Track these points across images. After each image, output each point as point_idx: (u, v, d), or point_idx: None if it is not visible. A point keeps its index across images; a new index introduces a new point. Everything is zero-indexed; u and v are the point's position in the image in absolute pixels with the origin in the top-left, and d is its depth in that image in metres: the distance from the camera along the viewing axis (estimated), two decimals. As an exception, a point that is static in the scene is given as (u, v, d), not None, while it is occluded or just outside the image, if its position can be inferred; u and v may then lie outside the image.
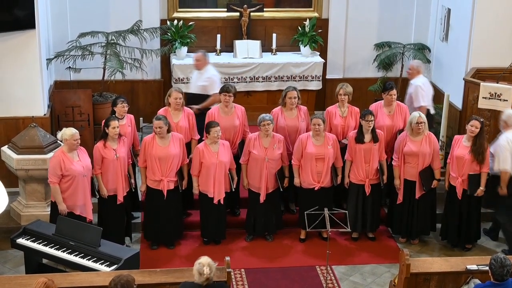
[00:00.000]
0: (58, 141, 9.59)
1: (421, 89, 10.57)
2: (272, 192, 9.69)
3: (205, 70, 10.80)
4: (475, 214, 9.59)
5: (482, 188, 9.36)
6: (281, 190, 9.77)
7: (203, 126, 9.66)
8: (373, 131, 9.52)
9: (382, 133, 9.69)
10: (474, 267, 7.46)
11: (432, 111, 10.68)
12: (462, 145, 9.35)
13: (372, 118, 9.44)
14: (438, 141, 9.95)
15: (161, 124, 9.22)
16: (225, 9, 12.60)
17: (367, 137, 9.51)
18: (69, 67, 11.39)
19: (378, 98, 11.29)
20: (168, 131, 9.32)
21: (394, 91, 9.94)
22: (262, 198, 9.61)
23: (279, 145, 9.59)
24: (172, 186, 9.43)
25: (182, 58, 12.24)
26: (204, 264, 6.55)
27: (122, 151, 9.25)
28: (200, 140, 9.83)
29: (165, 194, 9.37)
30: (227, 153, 9.52)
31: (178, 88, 10.00)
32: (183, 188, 9.59)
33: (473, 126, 9.20)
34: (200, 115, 10.16)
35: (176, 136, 9.42)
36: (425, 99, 10.56)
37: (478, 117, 9.35)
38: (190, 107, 10.19)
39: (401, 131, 9.81)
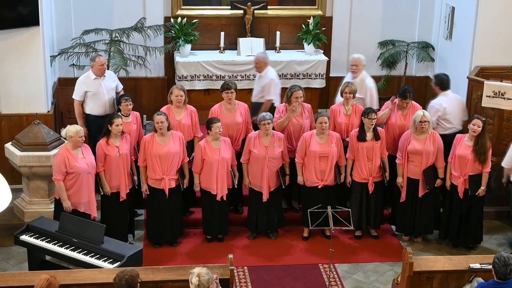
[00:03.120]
0: (62, 138, 9.59)
1: (274, 82, 10.58)
2: (274, 190, 9.69)
3: (108, 74, 10.45)
4: (476, 213, 9.57)
5: (483, 188, 9.35)
6: (283, 187, 9.76)
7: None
8: (374, 129, 9.52)
9: (383, 131, 9.70)
10: (477, 265, 7.45)
11: (276, 104, 10.51)
12: (464, 144, 9.33)
13: (375, 116, 9.43)
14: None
15: (162, 119, 9.22)
16: (229, 7, 12.58)
17: (369, 135, 9.51)
18: (73, 64, 11.40)
19: (381, 97, 11.27)
20: (168, 128, 9.33)
21: (408, 101, 9.86)
22: (265, 197, 9.60)
23: (279, 143, 9.58)
24: (173, 184, 9.42)
25: (186, 56, 12.23)
26: (194, 273, 6.42)
27: (125, 148, 9.25)
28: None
29: (167, 192, 9.38)
30: (229, 149, 9.53)
31: (180, 86, 9.98)
32: (185, 187, 9.59)
33: (475, 125, 9.18)
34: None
35: (175, 134, 9.42)
36: (276, 93, 10.59)
37: (480, 116, 9.34)
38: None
39: None
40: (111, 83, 10.35)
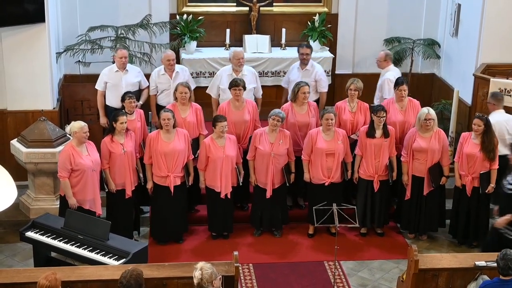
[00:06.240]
0: (67, 135, 9.61)
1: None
2: (279, 187, 9.68)
3: (132, 69, 10.53)
4: (484, 211, 9.56)
5: (492, 185, 9.33)
6: (288, 185, 9.75)
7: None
8: (384, 126, 9.51)
9: (393, 129, 9.67)
10: (482, 263, 7.44)
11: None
12: (471, 143, 9.31)
13: (384, 114, 9.42)
14: (448, 137, 9.93)
15: (169, 116, 9.23)
16: (235, 4, 12.57)
17: (378, 132, 9.50)
18: (79, 61, 11.40)
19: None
20: (174, 126, 9.33)
21: (404, 87, 9.90)
22: (268, 194, 9.59)
23: (285, 141, 9.57)
24: (178, 182, 9.42)
25: (191, 53, 12.23)
26: (197, 268, 6.44)
27: (130, 145, 9.25)
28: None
29: (172, 190, 9.38)
30: (234, 147, 9.52)
31: (185, 83, 9.97)
32: (190, 184, 9.59)
33: (476, 124, 9.19)
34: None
35: (181, 132, 9.42)
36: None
37: (480, 115, 9.29)
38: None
39: None
40: (133, 79, 10.39)
